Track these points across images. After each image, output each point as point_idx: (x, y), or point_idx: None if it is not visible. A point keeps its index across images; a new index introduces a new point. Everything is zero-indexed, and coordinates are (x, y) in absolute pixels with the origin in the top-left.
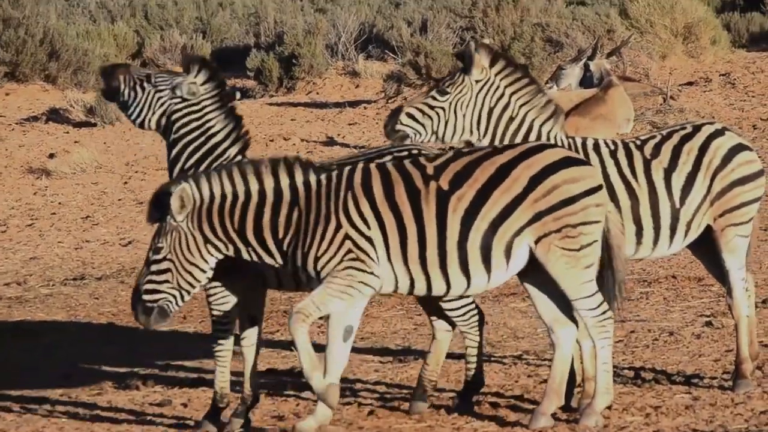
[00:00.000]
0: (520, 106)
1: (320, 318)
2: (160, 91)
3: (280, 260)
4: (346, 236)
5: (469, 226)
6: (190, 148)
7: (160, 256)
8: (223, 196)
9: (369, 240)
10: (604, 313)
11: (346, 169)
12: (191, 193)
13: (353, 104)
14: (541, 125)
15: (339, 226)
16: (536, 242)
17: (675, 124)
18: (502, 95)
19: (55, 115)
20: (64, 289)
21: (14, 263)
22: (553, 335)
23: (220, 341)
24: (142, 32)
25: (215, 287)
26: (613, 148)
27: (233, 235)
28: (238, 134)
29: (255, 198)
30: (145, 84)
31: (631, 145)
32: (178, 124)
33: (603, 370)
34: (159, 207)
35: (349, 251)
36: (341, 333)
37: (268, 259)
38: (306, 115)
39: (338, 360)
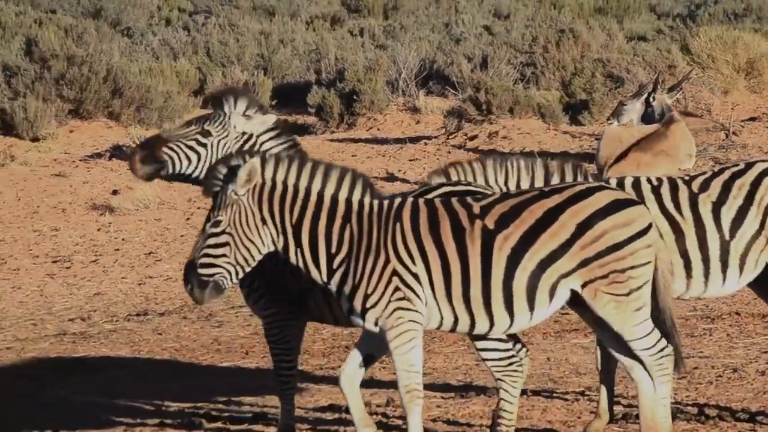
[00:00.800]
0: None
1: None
2: (224, 137)
3: (325, 277)
4: (394, 272)
5: (515, 266)
6: None
7: (218, 230)
8: (285, 185)
9: (415, 276)
10: (661, 350)
11: (397, 200)
12: (259, 168)
13: (414, 140)
14: None
15: (387, 261)
16: (583, 287)
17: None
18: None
19: (118, 152)
20: (128, 324)
21: (78, 299)
22: (632, 373)
23: (286, 377)
24: (204, 69)
25: (273, 322)
26: (656, 184)
27: (288, 228)
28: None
29: (314, 199)
30: (202, 139)
31: (678, 181)
32: None
33: (662, 405)
34: (219, 179)
35: (397, 289)
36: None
37: (314, 271)
38: (367, 151)
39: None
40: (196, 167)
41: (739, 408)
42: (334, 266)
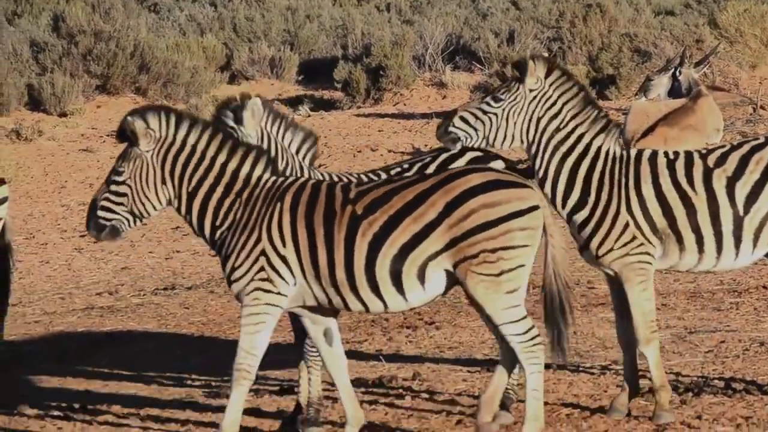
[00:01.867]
0: (571, 118)
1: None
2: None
3: (210, 245)
4: (263, 251)
5: (376, 252)
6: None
7: (120, 179)
8: (193, 150)
9: (283, 259)
10: (532, 339)
11: (288, 180)
12: (162, 127)
13: (440, 115)
14: (592, 138)
15: (258, 240)
16: (455, 267)
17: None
18: (554, 105)
19: None
20: (155, 298)
21: (106, 273)
22: (501, 361)
23: (312, 349)
24: (231, 45)
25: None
26: (672, 158)
27: (183, 194)
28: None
29: (216, 170)
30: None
31: (695, 155)
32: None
33: (532, 397)
34: (125, 133)
35: (262, 269)
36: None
37: (201, 235)
38: (393, 126)
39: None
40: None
41: (766, 381)
42: (216, 237)
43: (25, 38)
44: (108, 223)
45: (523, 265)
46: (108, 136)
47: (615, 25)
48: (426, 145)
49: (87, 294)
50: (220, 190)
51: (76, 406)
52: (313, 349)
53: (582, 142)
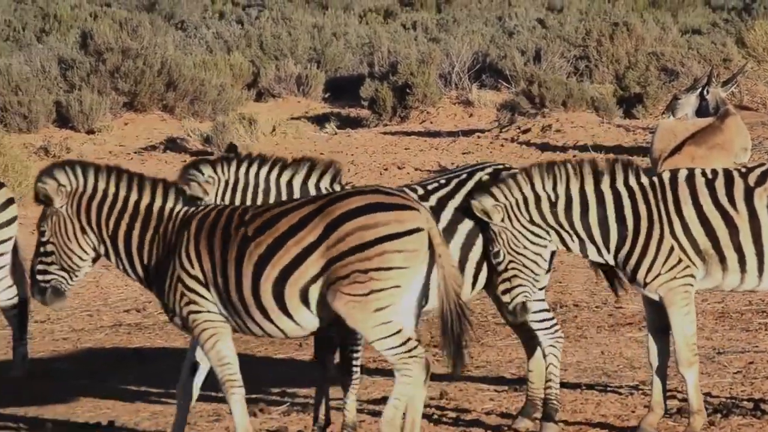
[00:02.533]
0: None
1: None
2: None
3: (146, 283)
4: (179, 278)
5: (260, 274)
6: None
7: (44, 239)
8: (105, 194)
9: (196, 279)
10: (408, 351)
11: (194, 208)
12: (71, 180)
13: (467, 133)
14: (596, 183)
15: (174, 268)
16: (327, 288)
17: None
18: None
19: (172, 144)
20: None
21: (133, 290)
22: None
23: (354, 368)
24: (258, 62)
25: None
26: (711, 177)
27: (106, 238)
28: None
29: (130, 210)
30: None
31: (734, 174)
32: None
33: (392, 405)
34: (38, 197)
35: (183, 294)
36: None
37: (135, 277)
38: (420, 144)
39: None
40: None
41: None
42: (146, 275)
43: (54, 55)
44: (48, 285)
45: (398, 286)
46: (135, 153)
47: (642, 43)
48: (452, 163)
49: (115, 311)
50: (137, 227)
51: (104, 423)
52: (355, 370)
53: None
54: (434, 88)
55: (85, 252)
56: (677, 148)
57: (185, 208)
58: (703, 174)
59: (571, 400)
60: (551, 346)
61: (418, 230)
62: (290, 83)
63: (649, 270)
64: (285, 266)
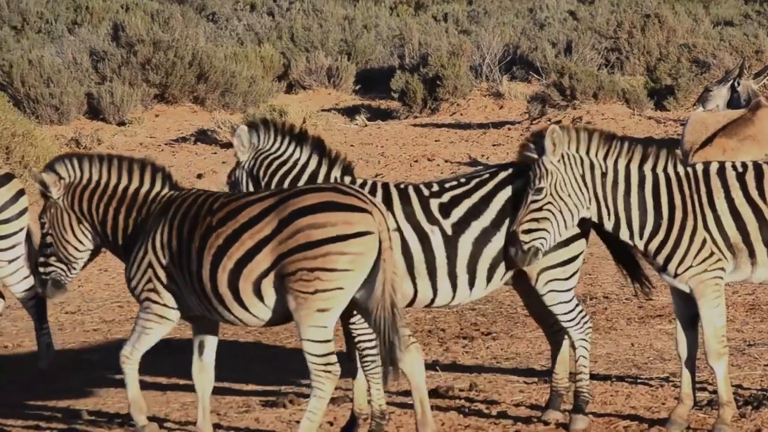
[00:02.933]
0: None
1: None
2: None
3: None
4: (149, 263)
5: (217, 264)
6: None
7: (44, 231)
8: (97, 183)
9: (165, 268)
10: (325, 365)
11: (177, 193)
12: (69, 171)
13: (497, 125)
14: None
15: (146, 252)
16: (279, 283)
17: None
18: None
19: (203, 136)
20: None
21: None
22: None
23: (370, 359)
24: (288, 54)
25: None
26: (741, 170)
27: (97, 225)
28: None
29: (118, 195)
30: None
31: (765, 167)
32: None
33: (307, 418)
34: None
35: (149, 280)
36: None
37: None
38: (450, 135)
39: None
40: None
41: None
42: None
43: (85, 47)
44: (48, 278)
45: (341, 288)
46: (166, 145)
47: (673, 35)
48: (483, 155)
49: None
50: (123, 211)
51: None
52: (372, 361)
53: (632, 172)
54: (465, 80)
55: (81, 243)
56: (708, 140)
57: (171, 193)
58: (734, 167)
59: (601, 392)
60: (581, 339)
61: (366, 233)
62: (321, 75)
63: (681, 262)
64: (239, 258)
